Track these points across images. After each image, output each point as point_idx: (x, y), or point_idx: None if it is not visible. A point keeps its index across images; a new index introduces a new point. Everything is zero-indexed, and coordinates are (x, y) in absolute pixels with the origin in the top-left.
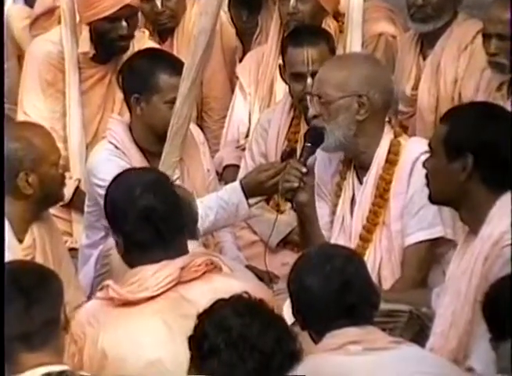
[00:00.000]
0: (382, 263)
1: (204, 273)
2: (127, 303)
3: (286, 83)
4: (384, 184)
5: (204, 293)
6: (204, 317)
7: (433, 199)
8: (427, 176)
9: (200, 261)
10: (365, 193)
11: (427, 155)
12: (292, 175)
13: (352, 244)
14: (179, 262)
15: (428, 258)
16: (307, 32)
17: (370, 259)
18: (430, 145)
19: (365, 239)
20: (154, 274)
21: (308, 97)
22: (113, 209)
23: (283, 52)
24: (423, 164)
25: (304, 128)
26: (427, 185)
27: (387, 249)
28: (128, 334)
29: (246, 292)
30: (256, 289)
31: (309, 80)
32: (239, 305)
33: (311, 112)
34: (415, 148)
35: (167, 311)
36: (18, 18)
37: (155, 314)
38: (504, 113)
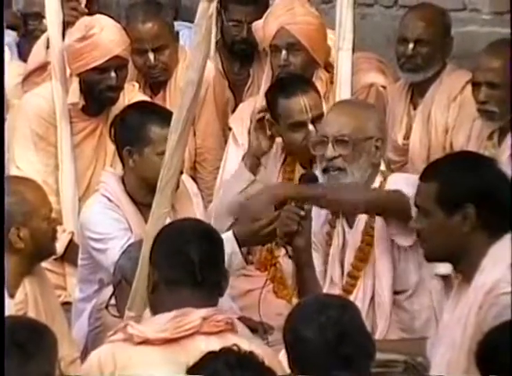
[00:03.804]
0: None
1: (222, 331)
2: (145, 342)
3: (278, 136)
4: (372, 222)
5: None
6: (196, 371)
7: (430, 257)
8: (418, 236)
9: (221, 317)
10: (357, 233)
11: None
12: (290, 219)
13: (340, 286)
14: (202, 312)
15: None
16: (294, 81)
17: (360, 295)
18: (417, 205)
19: (353, 276)
20: (176, 318)
21: (319, 139)
22: (158, 246)
23: (270, 105)
24: (411, 224)
25: (298, 173)
26: (421, 245)
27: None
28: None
29: (235, 345)
30: (266, 354)
31: (310, 127)
32: (230, 358)
33: (330, 153)
34: (392, 182)
35: (180, 361)
36: (12, 75)
37: (168, 363)
38: (484, 158)
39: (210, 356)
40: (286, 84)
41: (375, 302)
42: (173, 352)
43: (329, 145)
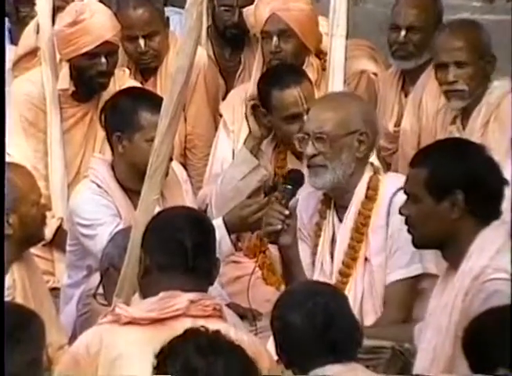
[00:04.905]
0: (363, 297)
1: (209, 316)
2: (132, 322)
3: (271, 126)
4: (361, 219)
5: None
6: (166, 357)
7: (418, 244)
8: (407, 222)
9: (208, 302)
10: (345, 229)
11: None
12: (275, 218)
13: (332, 281)
14: (191, 295)
15: (409, 296)
16: (287, 72)
17: (351, 294)
18: (407, 191)
19: (344, 274)
20: (163, 299)
21: (301, 136)
22: (151, 233)
23: (263, 97)
24: (400, 212)
25: (290, 162)
26: (409, 231)
27: (369, 283)
28: (123, 357)
29: (203, 326)
30: (253, 342)
31: (306, 118)
32: (200, 342)
33: (310, 151)
34: (392, 183)
35: (166, 341)
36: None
37: (154, 342)
38: (474, 145)
39: (179, 341)
40: (279, 75)
41: (365, 300)
42: (159, 332)
43: (310, 142)
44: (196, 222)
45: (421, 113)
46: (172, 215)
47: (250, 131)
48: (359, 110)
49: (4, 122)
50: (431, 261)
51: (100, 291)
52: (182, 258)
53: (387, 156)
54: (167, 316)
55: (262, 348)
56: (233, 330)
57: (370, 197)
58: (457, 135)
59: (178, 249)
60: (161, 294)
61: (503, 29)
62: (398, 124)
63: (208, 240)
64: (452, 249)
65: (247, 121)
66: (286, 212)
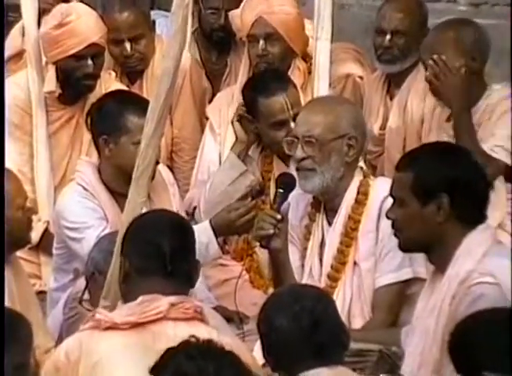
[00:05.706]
0: (352, 301)
1: (191, 319)
2: (112, 327)
3: (258, 133)
4: (351, 223)
5: (187, 336)
6: (159, 369)
7: (404, 247)
8: (393, 226)
9: (189, 305)
10: (335, 234)
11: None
12: (266, 222)
13: (320, 285)
14: (171, 298)
15: (398, 301)
16: (273, 79)
17: (340, 298)
18: (393, 195)
19: (333, 278)
20: (143, 303)
21: (290, 139)
22: (129, 237)
23: (249, 104)
24: (387, 216)
25: (276, 166)
26: (395, 234)
27: (358, 287)
28: (104, 362)
29: (193, 336)
30: (237, 345)
31: (292, 124)
32: (190, 349)
33: (299, 154)
34: (382, 188)
35: (147, 345)
36: None
37: (135, 346)
38: (460, 149)
39: (170, 352)
40: (265, 82)
41: (353, 304)
42: (140, 336)
43: (299, 146)
44: (174, 225)
45: (406, 116)
46: (150, 219)
47: (236, 137)
48: (349, 114)
49: (3, 125)
50: (422, 265)
51: (86, 296)
52: (160, 262)
53: (372, 159)
54: (147, 320)
55: (247, 351)
56: (216, 333)
57: (360, 202)
58: (451, 132)
59: (156, 253)
60: (141, 298)
61: (489, 33)
62: (383, 127)
63: (187, 243)
64: (439, 253)
65: (233, 127)
66: (279, 217)
